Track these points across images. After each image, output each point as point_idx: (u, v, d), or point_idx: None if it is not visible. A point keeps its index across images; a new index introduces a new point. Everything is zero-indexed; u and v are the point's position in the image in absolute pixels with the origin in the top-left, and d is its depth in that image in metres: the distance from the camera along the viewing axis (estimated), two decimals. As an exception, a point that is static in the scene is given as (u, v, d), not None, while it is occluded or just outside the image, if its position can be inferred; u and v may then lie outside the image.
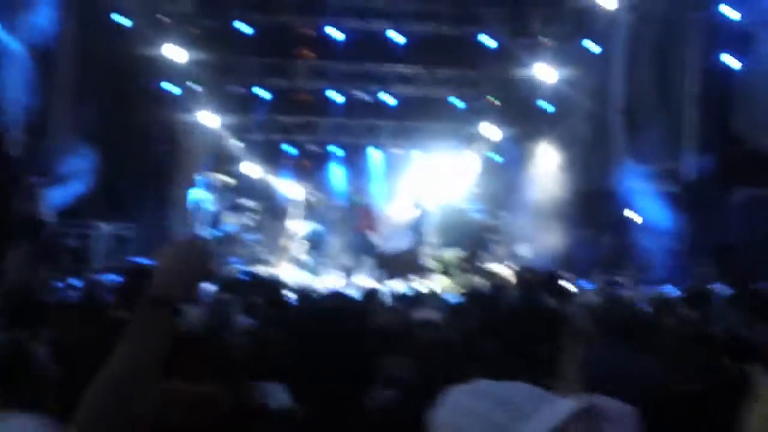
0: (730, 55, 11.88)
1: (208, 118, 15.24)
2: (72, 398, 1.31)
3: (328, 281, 12.36)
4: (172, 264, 1.38)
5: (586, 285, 9.31)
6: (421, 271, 12.59)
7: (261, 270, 12.52)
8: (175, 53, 14.10)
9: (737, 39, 11.78)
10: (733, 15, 11.51)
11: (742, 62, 11.87)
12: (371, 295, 6.85)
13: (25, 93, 10.97)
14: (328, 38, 15.77)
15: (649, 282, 7.59)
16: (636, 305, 5.26)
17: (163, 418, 1.61)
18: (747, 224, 10.59)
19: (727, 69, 12.01)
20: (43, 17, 11.09)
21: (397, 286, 11.07)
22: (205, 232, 13.00)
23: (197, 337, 3.83)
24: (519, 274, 10.12)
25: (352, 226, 12.95)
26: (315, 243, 13.19)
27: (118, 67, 12.94)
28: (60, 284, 7.96)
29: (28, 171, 10.98)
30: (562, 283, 7.02)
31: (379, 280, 11.98)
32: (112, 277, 9.09)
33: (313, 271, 12.90)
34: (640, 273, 9.04)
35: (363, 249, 12.95)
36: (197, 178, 13.06)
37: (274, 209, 14.19)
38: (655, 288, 6.57)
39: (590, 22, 14.97)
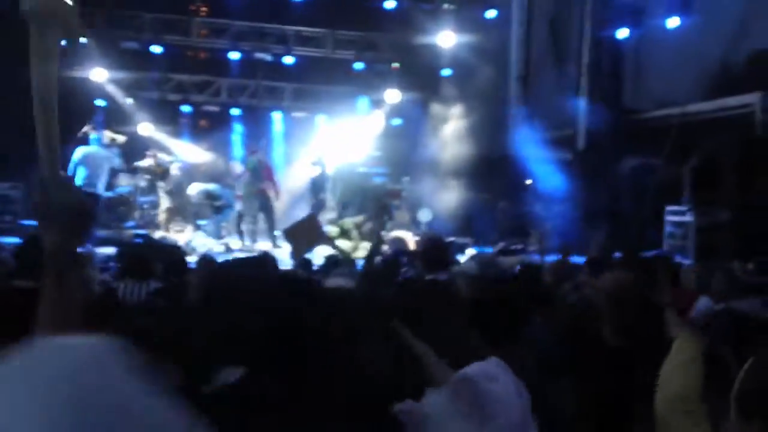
0: (622, 26, 12.37)
1: (99, 74, 14.49)
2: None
3: (232, 246, 12.14)
4: (56, 216, 1.42)
5: (486, 250, 9.58)
6: (324, 239, 12.51)
7: (157, 234, 12.16)
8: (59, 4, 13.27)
9: (628, 11, 12.28)
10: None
11: (632, 34, 12.40)
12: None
13: None
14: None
15: (550, 249, 7.87)
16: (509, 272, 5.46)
17: None
18: (635, 191, 11.17)
19: (618, 40, 12.51)
20: None
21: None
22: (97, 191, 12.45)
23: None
24: (420, 241, 10.24)
25: (253, 188, 12.67)
26: (214, 205, 12.87)
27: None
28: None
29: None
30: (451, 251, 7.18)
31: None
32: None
33: (215, 235, 12.62)
34: (541, 240, 9.37)
35: (265, 211, 12.72)
36: (87, 135, 12.43)
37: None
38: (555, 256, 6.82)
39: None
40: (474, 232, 13.02)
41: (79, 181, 10.90)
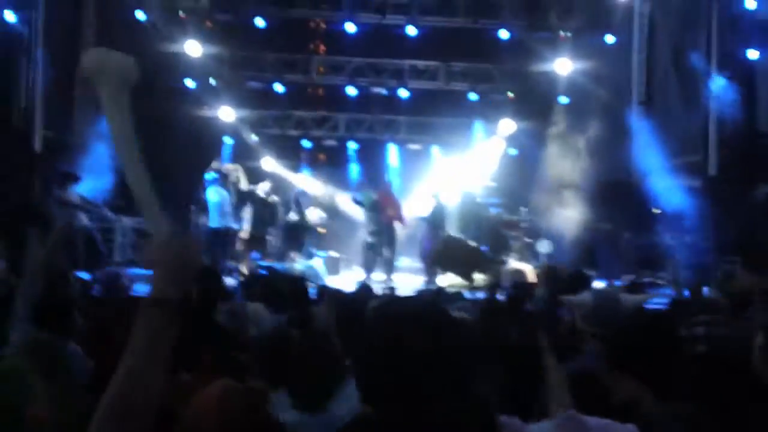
0: (751, 47, 11.79)
1: (226, 113, 15.25)
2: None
3: (353, 277, 12.31)
4: (164, 264, 1.40)
5: (614, 283, 9.23)
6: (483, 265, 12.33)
7: (282, 266, 12.51)
8: (192, 48, 14.13)
9: (758, 30, 11.69)
10: (752, 5, 11.41)
11: (762, 54, 11.78)
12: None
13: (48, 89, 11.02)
14: (343, 32, 15.72)
15: (684, 284, 7.49)
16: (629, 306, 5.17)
17: (229, 414, 1.68)
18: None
19: (749, 61, 11.92)
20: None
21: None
22: (224, 225, 12.99)
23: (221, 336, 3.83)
24: (541, 273, 10.00)
25: (376, 217, 12.77)
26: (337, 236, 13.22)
27: (140, 63, 12.92)
28: (83, 277, 7.96)
29: (52, 166, 11.03)
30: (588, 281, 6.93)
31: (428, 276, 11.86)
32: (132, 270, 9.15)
33: (334, 267, 12.90)
34: (675, 273, 8.95)
35: (390, 243, 12.80)
36: (215, 172, 13.05)
37: (291, 204, 14.10)
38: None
39: (607, 14, 14.92)
40: (597, 263, 12.59)
41: (214, 223, 11.49)
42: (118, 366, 1.34)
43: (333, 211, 14.78)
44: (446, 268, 10.75)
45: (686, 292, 6.44)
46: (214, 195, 11.78)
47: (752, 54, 11.82)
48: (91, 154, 11.23)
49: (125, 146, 1.45)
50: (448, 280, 11.24)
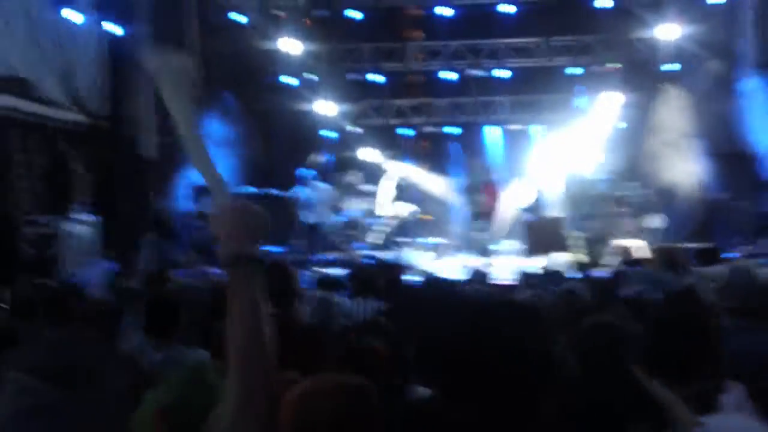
0: None
1: (326, 107, 15.58)
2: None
3: (457, 263, 12.33)
4: (232, 226, 1.49)
5: (731, 255, 8.77)
6: (568, 242, 12.22)
7: (387, 254, 12.68)
8: (290, 46, 14.51)
9: None
10: None
11: None
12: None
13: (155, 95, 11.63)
14: (437, 17, 15.67)
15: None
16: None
17: (307, 407, 1.68)
18: None
19: None
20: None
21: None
22: (329, 217, 13.34)
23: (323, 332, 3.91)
24: (656, 249, 9.58)
25: (476, 205, 12.77)
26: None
27: (240, 63, 13.48)
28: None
29: (162, 170, 11.66)
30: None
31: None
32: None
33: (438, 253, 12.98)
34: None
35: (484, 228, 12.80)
36: (320, 164, 13.44)
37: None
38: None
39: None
40: (713, 236, 12.00)
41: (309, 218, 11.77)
42: (227, 331, 1.44)
43: (434, 199, 14.79)
44: (539, 248, 10.73)
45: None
46: (312, 190, 12.02)
47: None
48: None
49: (189, 135, 1.58)
50: (551, 260, 11.10)
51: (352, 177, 14.19)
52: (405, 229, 13.58)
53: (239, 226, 1.49)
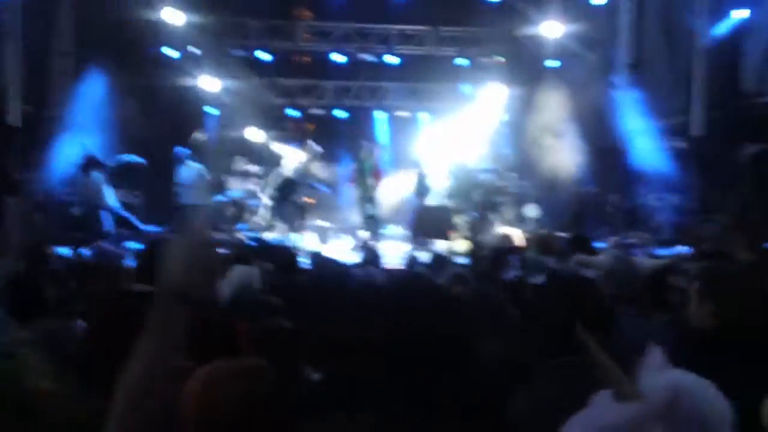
0: (739, 7, 11.63)
1: (210, 82, 15.09)
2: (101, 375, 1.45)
3: (344, 245, 12.31)
4: (186, 261, 1.41)
5: (597, 245, 9.21)
6: (453, 229, 12.40)
7: (270, 236, 12.48)
8: (173, 16, 13.93)
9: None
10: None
11: (751, 15, 11.62)
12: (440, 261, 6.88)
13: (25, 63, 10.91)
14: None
15: (661, 242, 7.49)
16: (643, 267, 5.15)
17: (210, 395, 1.65)
18: (755, 180, 10.47)
19: (735, 22, 11.77)
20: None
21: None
22: (209, 198, 12.98)
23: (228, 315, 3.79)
24: (532, 237, 10.00)
25: (365, 189, 12.77)
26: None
27: (119, 32, 12.81)
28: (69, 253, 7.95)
29: (28, 140, 10.97)
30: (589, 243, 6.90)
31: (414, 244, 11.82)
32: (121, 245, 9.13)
33: (323, 235, 12.89)
34: (651, 233, 8.95)
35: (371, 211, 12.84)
36: (199, 141, 13.01)
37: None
38: (667, 249, 6.48)
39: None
40: (584, 227, 12.59)
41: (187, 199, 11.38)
42: (133, 352, 1.38)
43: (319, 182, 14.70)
44: (425, 234, 10.92)
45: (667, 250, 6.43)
46: (187, 169, 11.62)
47: (739, 14, 11.68)
48: (67, 126, 11.16)
49: None
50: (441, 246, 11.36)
51: (238, 160, 13.88)
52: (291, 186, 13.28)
53: (195, 264, 1.42)
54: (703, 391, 1.29)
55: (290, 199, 13.24)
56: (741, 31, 11.76)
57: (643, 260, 6.31)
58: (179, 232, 1.47)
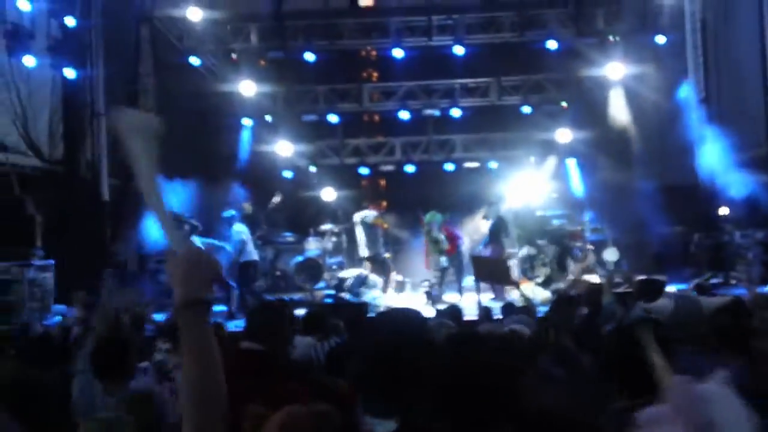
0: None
1: (284, 147, 15.60)
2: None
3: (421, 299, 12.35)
4: (185, 271, 1.59)
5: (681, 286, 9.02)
6: (513, 278, 12.27)
7: (347, 294, 12.63)
8: (245, 88, 14.57)
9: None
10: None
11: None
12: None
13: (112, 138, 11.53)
14: (392, 59, 15.90)
15: (754, 280, 7.28)
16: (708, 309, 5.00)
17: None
18: None
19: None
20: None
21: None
22: (288, 261, 13.35)
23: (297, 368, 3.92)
24: (608, 282, 9.80)
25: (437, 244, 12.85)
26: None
27: (196, 106, 13.46)
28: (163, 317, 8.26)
29: (117, 212, 11.50)
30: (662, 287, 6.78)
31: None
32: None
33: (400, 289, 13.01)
34: (742, 272, 8.68)
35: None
36: (279, 203, 13.48)
37: (353, 232, 14.27)
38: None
39: (654, 16, 14.72)
40: (667, 268, 12.28)
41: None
42: (182, 370, 1.56)
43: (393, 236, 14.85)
44: (485, 280, 10.93)
45: (761, 288, 6.25)
46: (239, 230, 11.74)
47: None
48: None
49: (150, 188, 1.67)
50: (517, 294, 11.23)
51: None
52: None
53: (192, 271, 1.58)
54: (723, 400, 1.49)
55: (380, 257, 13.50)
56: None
57: (711, 300, 6.16)
58: (172, 252, 1.62)
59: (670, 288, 9.96)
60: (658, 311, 5.29)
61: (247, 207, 13.19)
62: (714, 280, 10.33)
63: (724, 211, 11.90)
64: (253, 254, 11.82)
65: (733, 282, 9.93)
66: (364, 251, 13.58)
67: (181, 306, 1.56)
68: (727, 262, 11.00)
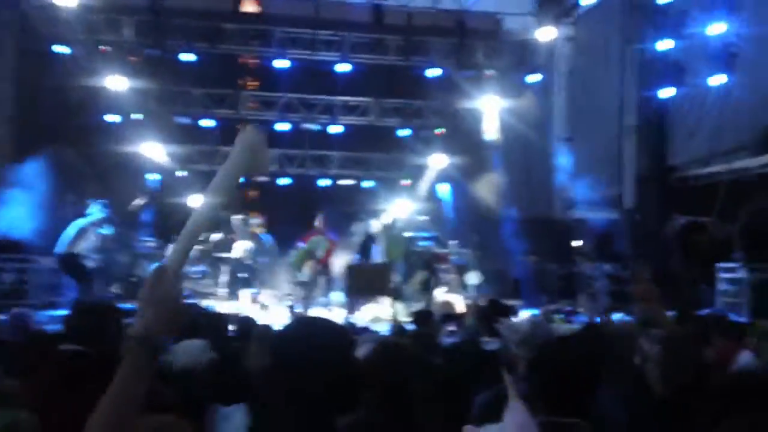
0: (666, 86, 12.28)
1: (153, 149, 15.02)
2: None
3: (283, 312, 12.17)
4: (152, 305, 1.45)
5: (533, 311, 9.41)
6: (392, 291, 12.30)
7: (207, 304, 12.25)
8: (116, 83, 13.93)
9: (671, 70, 12.21)
10: (666, 46, 11.90)
11: (677, 93, 12.30)
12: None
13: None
14: (274, 69, 15.73)
15: (598, 310, 7.70)
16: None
17: None
18: (685, 249, 10.91)
19: (662, 99, 12.42)
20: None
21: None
22: (146, 267, 12.80)
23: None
24: (471, 305, 10.10)
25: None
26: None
27: (60, 98, 12.74)
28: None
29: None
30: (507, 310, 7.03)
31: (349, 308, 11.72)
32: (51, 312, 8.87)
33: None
34: (588, 300, 9.19)
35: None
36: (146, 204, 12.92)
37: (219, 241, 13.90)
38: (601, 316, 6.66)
39: (531, 55, 15.42)
40: (522, 294, 12.83)
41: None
42: (101, 399, 1.39)
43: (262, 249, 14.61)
44: (360, 292, 10.90)
45: (597, 318, 6.61)
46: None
47: (665, 93, 12.33)
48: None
49: (214, 204, 1.69)
50: (372, 313, 11.32)
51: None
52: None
53: (166, 310, 1.46)
54: None
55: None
56: (667, 107, 12.43)
57: (561, 327, 6.47)
58: (164, 269, 1.50)
59: (525, 312, 10.43)
60: (514, 330, 5.44)
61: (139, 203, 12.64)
62: (564, 309, 10.84)
63: (578, 243, 12.58)
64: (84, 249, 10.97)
65: (580, 310, 10.47)
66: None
67: (136, 340, 1.42)
68: (577, 291, 11.61)
